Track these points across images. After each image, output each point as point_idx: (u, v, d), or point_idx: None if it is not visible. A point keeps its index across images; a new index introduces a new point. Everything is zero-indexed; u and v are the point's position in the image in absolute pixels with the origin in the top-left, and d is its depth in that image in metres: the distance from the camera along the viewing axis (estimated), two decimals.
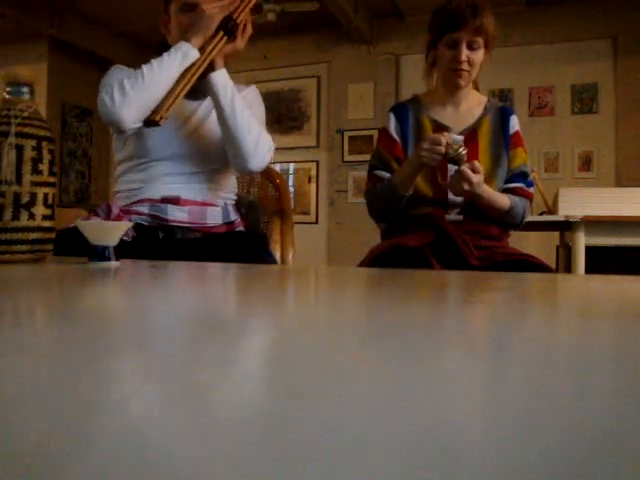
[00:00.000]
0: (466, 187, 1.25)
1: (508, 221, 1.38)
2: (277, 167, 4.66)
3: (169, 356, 0.28)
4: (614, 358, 0.29)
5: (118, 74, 1.23)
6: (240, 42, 1.30)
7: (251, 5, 1.29)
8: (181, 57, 1.20)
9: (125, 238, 1.03)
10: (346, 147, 5.11)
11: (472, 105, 1.45)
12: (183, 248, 1.23)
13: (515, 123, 1.43)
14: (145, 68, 1.19)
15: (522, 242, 3.11)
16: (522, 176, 1.41)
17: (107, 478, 0.13)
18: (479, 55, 1.36)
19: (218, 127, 1.28)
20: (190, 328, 0.37)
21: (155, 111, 1.19)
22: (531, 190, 1.43)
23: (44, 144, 0.85)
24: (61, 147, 5.12)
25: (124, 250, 0.92)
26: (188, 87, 1.22)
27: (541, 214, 2.96)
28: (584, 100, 4.54)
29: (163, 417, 0.18)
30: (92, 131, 5.49)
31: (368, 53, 5.06)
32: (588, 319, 0.44)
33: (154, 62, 1.20)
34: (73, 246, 0.94)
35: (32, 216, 0.84)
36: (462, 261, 1.29)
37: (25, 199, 0.83)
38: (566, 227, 2.67)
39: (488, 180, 1.34)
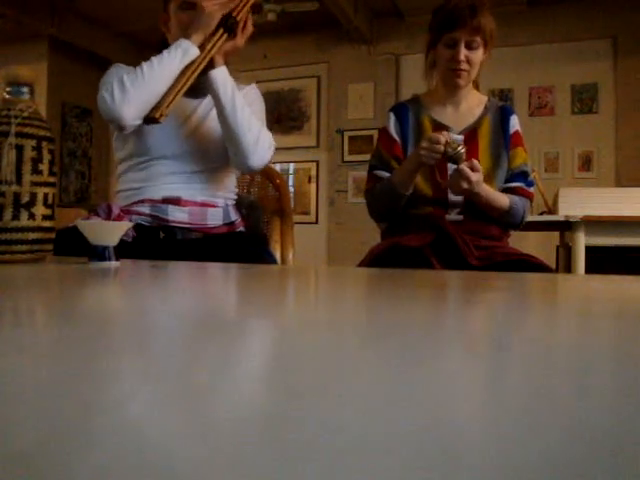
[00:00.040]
0: (465, 186, 1.25)
1: (508, 220, 1.38)
2: (277, 167, 4.66)
3: (169, 356, 0.28)
4: (614, 358, 0.29)
5: (118, 72, 1.23)
6: (240, 40, 1.29)
7: (251, 3, 1.29)
8: (181, 54, 1.20)
9: (125, 238, 1.03)
10: (346, 147, 5.11)
11: (472, 105, 1.45)
12: (183, 248, 1.23)
13: (515, 123, 1.43)
14: (145, 65, 1.19)
15: (522, 242, 3.11)
16: (522, 176, 1.41)
17: (107, 478, 0.13)
18: (478, 55, 1.36)
19: (218, 125, 1.28)
20: (190, 328, 0.37)
21: (155, 108, 1.19)
22: (531, 190, 1.43)
23: (44, 144, 0.85)
24: (61, 147, 5.12)
25: (124, 250, 0.92)
26: (188, 84, 1.22)
27: (541, 214, 2.96)
28: (584, 100, 4.54)
29: (163, 417, 0.18)
30: (92, 131, 5.49)
31: (368, 53, 5.06)
32: (588, 319, 0.44)
33: (154, 59, 1.20)
34: (73, 246, 0.94)
35: (32, 216, 0.84)
36: (462, 261, 1.29)
37: (25, 199, 0.83)
38: (566, 227, 2.67)
39: (488, 179, 1.34)
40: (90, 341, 0.30)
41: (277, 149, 1.36)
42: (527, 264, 1.28)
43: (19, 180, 0.82)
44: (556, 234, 3.51)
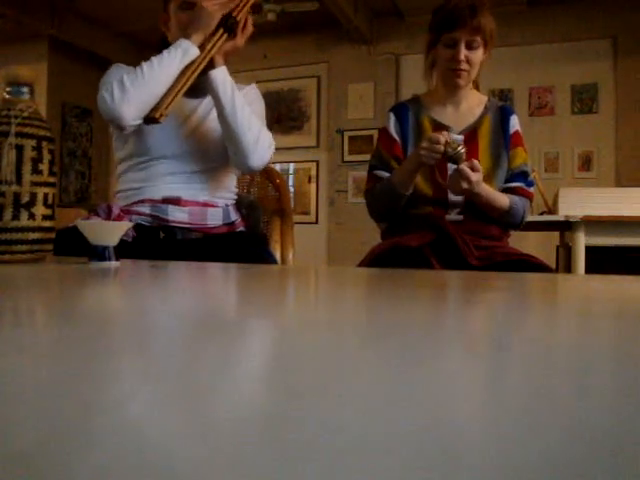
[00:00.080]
0: (465, 185, 1.25)
1: (508, 220, 1.38)
2: (277, 167, 4.66)
3: (169, 356, 0.28)
4: (614, 358, 0.29)
5: (118, 72, 1.23)
6: (240, 40, 1.29)
7: (251, 3, 1.29)
8: (181, 54, 1.20)
9: (125, 238, 1.03)
10: (346, 147, 5.11)
11: (472, 105, 1.45)
12: (183, 248, 1.23)
13: (515, 123, 1.43)
14: (145, 65, 1.19)
15: (522, 242, 3.11)
16: (522, 175, 1.41)
17: (107, 478, 0.13)
18: (478, 54, 1.36)
19: (218, 125, 1.28)
20: (190, 328, 0.37)
21: (155, 108, 1.19)
22: (531, 190, 1.43)
23: (44, 144, 0.85)
24: (61, 147, 5.12)
25: (125, 250, 0.92)
26: (188, 84, 1.22)
27: (541, 214, 2.96)
28: (584, 100, 4.54)
29: (163, 417, 0.18)
30: (92, 131, 5.49)
31: (368, 53, 5.06)
32: (588, 319, 0.44)
33: (154, 59, 1.20)
34: (73, 246, 0.94)
35: (32, 216, 0.84)
36: (462, 261, 1.29)
37: (25, 199, 0.83)
38: (566, 227, 2.67)
39: (488, 179, 1.34)
40: (90, 341, 0.30)
41: (277, 149, 1.36)
42: (527, 264, 1.28)
43: (19, 180, 0.82)
44: (556, 234, 3.51)
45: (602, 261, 2.68)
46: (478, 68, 1.40)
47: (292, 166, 5.34)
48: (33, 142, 0.84)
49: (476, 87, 1.49)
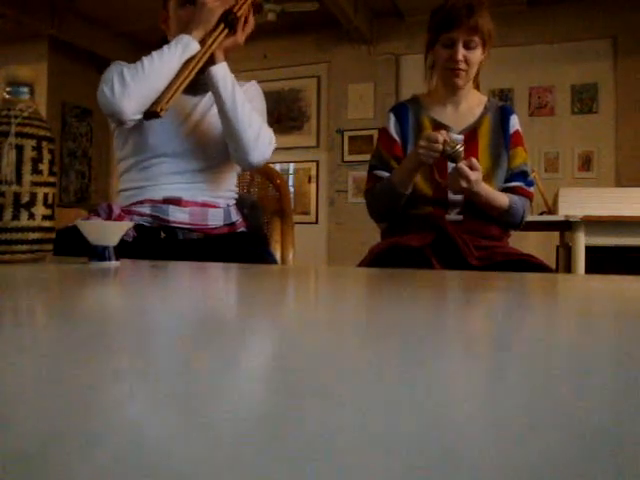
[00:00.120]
0: (464, 184, 1.25)
1: (508, 220, 1.38)
2: (277, 167, 4.66)
3: (169, 356, 0.28)
4: (614, 358, 0.29)
5: (118, 68, 1.23)
6: (241, 36, 1.29)
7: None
8: (182, 49, 1.20)
9: (126, 238, 1.03)
10: (346, 147, 5.11)
11: (472, 104, 1.45)
12: (184, 249, 1.23)
13: (515, 122, 1.44)
14: (145, 60, 1.19)
15: (522, 242, 3.11)
16: (522, 175, 1.41)
17: (107, 478, 0.13)
18: (476, 54, 1.36)
19: (219, 122, 1.28)
20: (190, 328, 0.37)
21: (156, 102, 1.18)
22: (531, 189, 1.43)
23: (44, 144, 0.85)
24: (61, 147, 5.12)
25: (125, 251, 0.92)
26: (189, 80, 1.21)
27: (541, 214, 2.96)
28: (584, 100, 4.54)
29: (163, 417, 0.18)
30: (92, 131, 5.49)
31: (368, 53, 5.06)
32: (588, 319, 0.44)
33: (154, 54, 1.20)
34: (73, 246, 0.94)
35: (32, 216, 0.84)
36: (462, 261, 1.29)
37: (25, 199, 0.83)
38: (566, 227, 2.67)
39: (488, 179, 1.34)
40: (90, 341, 0.30)
41: (277, 149, 1.36)
42: (527, 264, 1.28)
43: (19, 180, 0.82)
44: (556, 234, 3.51)
45: (602, 261, 2.68)
46: (477, 68, 1.40)
47: (292, 166, 5.34)
48: (33, 142, 0.84)
49: (476, 87, 1.49)
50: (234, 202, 1.40)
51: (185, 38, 1.21)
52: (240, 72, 1.31)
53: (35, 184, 0.84)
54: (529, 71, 4.63)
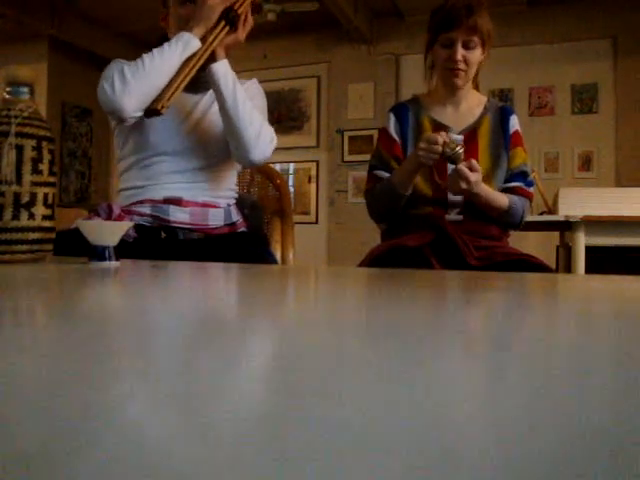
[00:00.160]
0: (464, 185, 1.25)
1: (507, 220, 1.38)
2: (277, 167, 4.66)
3: (169, 356, 0.28)
4: (614, 358, 0.29)
5: (118, 66, 1.22)
6: (241, 33, 1.29)
7: None
8: (182, 46, 1.20)
9: (126, 239, 1.03)
10: (346, 147, 5.11)
11: (472, 105, 1.45)
12: (184, 249, 1.23)
13: (515, 123, 1.44)
14: (146, 57, 1.19)
15: (522, 242, 3.11)
16: (522, 175, 1.41)
17: (107, 478, 0.13)
18: (475, 54, 1.36)
19: (220, 120, 1.28)
20: (190, 328, 0.37)
21: (156, 100, 1.18)
22: (531, 190, 1.43)
23: (44, 144, 0.85)
24: (61, 147, 5.12)
25: (126, 251, 0.92)
26: (190, 77, 1.21)
27: (541, 214, 2.96)
28: (584, 100, 4.54)
29: (163, 417, 0.18)
30: (92, 131, 5.49)
31: (368, 53, 5.06)
32: (588, 319, 0.44)
33: (155, 51, 1.19)
34: (73, 247, 0.94)
35: (32, 216, 0.84)
36: (462, 261, 1.29)
37: (25, 199, 0.83)
38: (566, 227, 2.68)
39: (488, 179, 1.34)
40: (90, 341, 0.30)
41: (277, 149, 1.36)
42: (527, 264, 1.28)
43: (19, 180, 0.82)
44: (556, 234, 3.51)
45: (602, 261, 2.68)
46: (476, 68, 1.40)
47: (292, 166, 5.34)
48: (33, 142, 0.84)
49: (476, 87, 1.49)
50: (234, 202, 1.40)
51: (186, 35, 1.21)
52: (240, 72, 1.30)
53: (35, 184, 0.84)
54: (529, 71, 4.63)
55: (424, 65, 1.48)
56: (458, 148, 1.25)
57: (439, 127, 1.40)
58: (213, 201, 1.31)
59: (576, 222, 2.40)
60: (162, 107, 1.17)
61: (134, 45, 5.16)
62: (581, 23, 4.45)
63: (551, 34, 4.53)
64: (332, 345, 0.31)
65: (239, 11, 1.26)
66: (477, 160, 1.29)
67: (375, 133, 4.46)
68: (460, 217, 1.37)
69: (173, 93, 1.19)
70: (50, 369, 0.24)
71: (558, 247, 3.61)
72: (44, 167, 0.85)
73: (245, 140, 1.25)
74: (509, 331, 0.38)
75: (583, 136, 4.51)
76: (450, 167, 1.31)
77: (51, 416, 0.18)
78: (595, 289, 0.72)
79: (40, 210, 0.85)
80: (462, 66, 1.35)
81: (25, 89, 0.86)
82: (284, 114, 5.33)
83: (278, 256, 1.50)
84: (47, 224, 0.86)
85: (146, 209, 1.26)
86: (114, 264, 0.82)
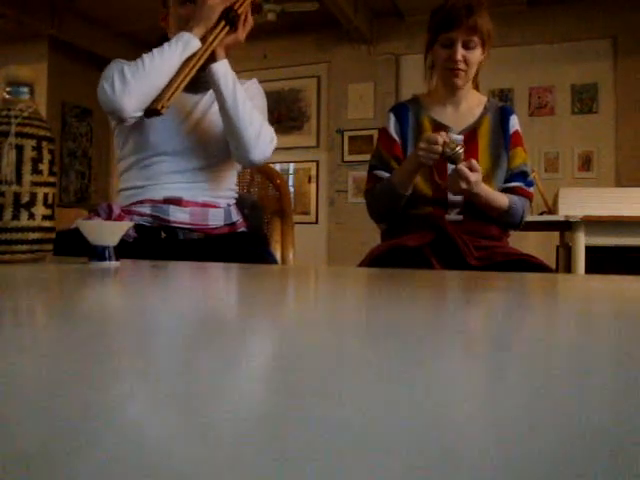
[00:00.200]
0: (464, 186, 1.25)
1: (507, 220, 1.38)
2: (277, 167, 4.66)
3: (169, 356, 0.28)
4: (614, 358, 0.29)
5: (118, 66, 1.22)
6: (241, 33, 1.29)
7: None
8: (182, 46, 1.20)
9: (126, 239, 1.03)
10: (346, 147, 5.11)
11: (472, 105, 1.45)
12: (184, 249, 1.23)
13: (515, 123, 1.44)
14: (146, 57, 1.18)
15: (522, 242, 3.11)
16: (522, 176, 1.41)
17: (107, 478, 0.13)
18: (475, 54, 1.36)
19: (219, 120, 1.28)
20: (190, 328, 0.37)
21: (157, 100, 1.18)
22: (531, 190, 1.43)
23: (44, 144, 0.85)
24: (61, 147, 5.12)
25: (126, 251, 0.92)
26: (190, 77, 1.21)
27: (541, 214, 2.96)
28: (584, 100, 4.54)
29: (163, 417, 0.18)
30: (92, 131, 5.49)
31: (368, 53, 5.06)
32: (588, 319, 0.44)
33: (155, 51, 1.19)
34: (73, 248, 0.94)
35: (32, 216, 0.84)
36: (462, 261, 1.29)
37: (25, 199, 0.83)
38: (566, 227, 2.68)
39: (488, 179, 1.34)
40: (90, 341, 0.30)
41: (277, 149, 1.36)
42: (527, 264, 1.28)
43: (19, 180, 0.82)
44: (556, 234, 3.51)
45: (602, 261, 2.68)
46: (476, 68, 1.40)
47: (292, 166, 5.34)
48: (33, 142, 0.84)
49: (476, 87, 1.49)
50: (234, 202, 1.40)
51: (186, 35, 1.21)
52: (240, 72, 1.30)
53: (35, 184, 0.84)
54: (529, 71, 4.63)
55: (424, 65, 1.48)
56: (458, 148, 1.25)
57: (439, 127, 1.40)
58: (213, 201, 1.31)
59: (576, 222, 2.40)
60: (162, 107, 1.17)
61: (134, 45, 5.16)
62: (581, 23, 4.45)
63: (551, 34, 4.53)
64: (332, 345, 0.31)
65: (239, 11, 1.26)
66: (477, 160, 1.29)
67: (375, 133, 4.46)
68: (460, 217, 1.37)
69: (173, 93, 1.18)
70: (50, 369, 0.24)
71: (558, 247, 3.61)
72: (44, 167, 0.85)
73: (245, 140, 1.25)
74: (509, 331, 0.38)
75: (583, 136, 4.51)
76: (450, 167, 1.31)
77: (51, 416, 0.18)
78: (595, 289, 0.72)
79: (40, 210, 0.85)
80: (462, 66, 1.35)
81: (25, 89, 0.86)
82: (284, 114, 5.33)
83: (278, 256, 1.50)
84: (47, 224, 0.86)
85: (146, 209, 1.26)
86: (114, 264, 0.82)
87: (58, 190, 4.77)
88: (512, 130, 1.43)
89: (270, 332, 0.37)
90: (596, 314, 0.47)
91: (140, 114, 1.19)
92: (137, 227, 1.20)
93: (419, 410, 0.19)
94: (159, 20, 1.36)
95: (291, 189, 5.23)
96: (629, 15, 4.30)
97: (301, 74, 5.30)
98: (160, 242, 1.24)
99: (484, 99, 1.47)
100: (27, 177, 0.83)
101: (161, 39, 1.30)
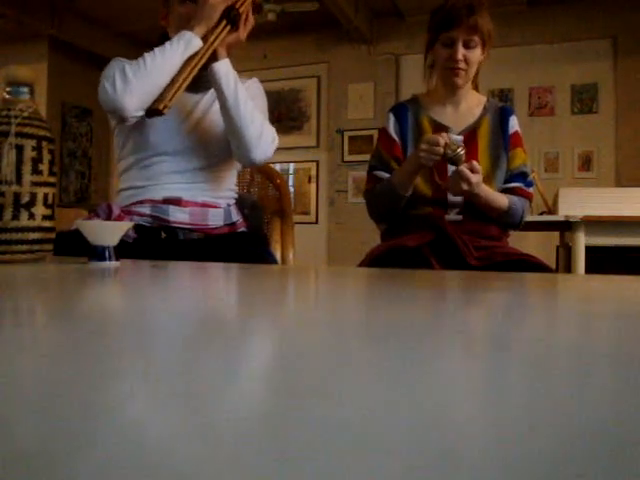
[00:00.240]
0: (465, 187, 1.25)
1: (507, 221, 1.38)
2: (277, 167, 4.66)
3: (169, 356, 0.28)
4: (614, 358, 0.29)
5: (119, 65, 1.22)
6: (243, 32, 1.29)
7: None
8: (184, 46, 1.20)
9: (126, 239, 1.03)
10: (346, 147, 5.11)
11: (472, 105, 1.45)
12: (184, 249, 1.23)
13: (514, 123, 1.44)
14: (148, 56, 1.18)
15: (522, 242, 3.11)
16: (521, 176, 1.41)
17: (107, 478, 0.13)
18: (476, 54, 1.36)
19: (220, 120, 1.28)
20: (190, 328, 0.37)
21: (158, 100, 1.17)
22: (530, 190, 1.43)
23: (44, 144, 0.85)
24: (61, 147, 5.12)
25: (126, 251, 0.92)
26: (192, 76, 1.20)
27: (541, 214, 2.96)
28: (584, 100, 4.54)
29: (163, 417, 0.18)
30: (92, 131, 5.49)
31: (368, 53, 5.06)
32: (588, 319, 0.44)
33: (156, 50, 1.19)
34: (73, 248, 0.94)
35: (32, 216, 0.84)
36: (461, 261, 1.29)
37: (25, 199, 0.83)
38: (566, 227, 2.68)
39: (487, 180, 1.34)
40: (90, 341, 0.30)
41: (277, 149, 1.35)
42: (527, 264, 1.28)
43: (19, 180, 0.82)
44: (556, 234, 3.51)
45: (602, 261, 2.68)
46: (476, 68, 1.40)
47: (292, 166, 5.34)
48: (33, 142, 0.84)
49: (475, 87, 1.49)
50: (234, 202, 1.40)
51: (187, 34, 1.20)
52: (240, 72, 1.30)
53: (35, 184, 0.84)
54: (529, 71, 4.63)
55: (424, 65, 1.48)
56: (459, 149, 1.25)
57: (438, 127, 1.40)
58: (213, 201, 1.31)
59: (576, 222, 2.40)
60: (164, 107, 1.16)
61: (134, 45, 5.16)
62: (581, 23, 4.45)
63: (551, 34, 4.53)
64: (332, 345, 0.31)
65: (240, 10, 1.26)
66: (477, 160, 1.29)
67: (375, 133, 4.46)
68: (460, 217, 1.37)
69: (175, 93, 1.18)
70: (50, 369, 0.24)
71: (558, 247, 3.61)
72: (44, 167, 0.85)
73: (247, 140, 1.24)
74: (509, 331, 0.38)
75: (583, 136, 4.51)
76: (450, 168, 1.31)
77: (51, 416, 0.18)
78: (595, 289, 0.72)
79: (40, 210, 0.85)
80: (463, 65, 1.35)
81: (25, 89, 0.86)
82: (284, 114, 5.33)
83: (278, 256, 1.50)
84: (47, 224, 0.86)
85: (146, 209, 1.25)
86: (114, 264, 0.82)
87: (58, 190, 4.77)
88: (512, 131, 1.43)
89: (270, 332, 0.37)
90: (596, 314, 0.47)
91: (141, 114, 1.18)
92: (137, 227, 1.20)
93: (419, 410, 0.19)
94: (159, 19, 1.35)
95: (291, 189, 5.23)
96: (629, 15, 4.30)
97: (301, 74, 5.30)
98: (160, 242, 1.24)
99: (483, 99, 1.47)
100: (27, 177, 0.83)
101: (162, 38, 1.29)
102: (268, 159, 1.31)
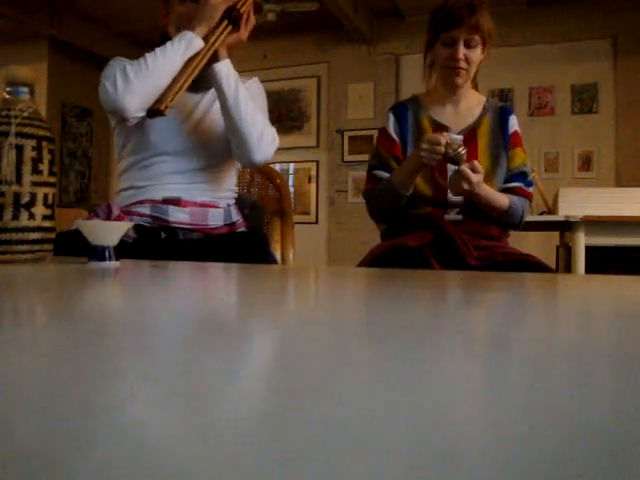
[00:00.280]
0: (466, 187, 1.25)
1: (507, 220, 1.38)
2: (277, 167, 4.66)
3: (169, 356, 0.28)
4: (614, 358, 0.29)
5: (120, 64, 1.21)
6: (244, 32, 1.29)
7: None
8: (185, 46, 1.19)
9: (125, 239, 1.03)
10: (346, 147, 5.11)
11: (471, 105, 1.45)
12: (184, 249, 1.23)
13: (514, 123, 1.44)
14: (149, 56, 1.18)
15: (522, 242, 3.11)
16: (521, 176, 1.41)
17: (107, 478, 0.13)
18: (476, 53, 1.36)
19: (220, 120, 1.27)
20: (190, 328, 0.37)
21: (159, 100, 1.17)
22: (530, 190, 1.43)
23: (44, 144, 0.85)
24: (61, 147, 5.12)
25: (126, 251, 0.92)
26: (193, 76, 1.20)
27: (541, 214, 2.96)
28: (584, 100, 4.54)
29: (163, 417, 0.18)
30: (92, 131, 5.49)
31: (368, 53, 5.06)
32: (588, 319, 0.44)
33: (157, 50, 1.19)
34: (73, 248, 0.94)
35: (32, 216, 0.84)
36: (461, 261, 1.29)
37: (25, 199, 0.83)
38: (566, 227, 2.68)
39: (487, 180, 1.34)
40: (90, 341, 0.30)
41: (277, 149, 1.35)
42: (527, 264, 1.28)
43: (19, 180, 0.82)
44: (556, 234, 3.51)
45: (602, 261, 2.68)
46: (476, 67, 1.40)
47: (292, 166, 5.34)
48: (33, 142, 0.84)
49: (475, 87, 1.49)
50: (234, 202, 1.40)
51: (188, 35, 1.20)
52: (240, 72, 1.30)
53: (35, 184, 0.84)
54: (529, 71, 4.63)
55: (423, 64, 1.48)
56: (461, 149, 1.25)
57: (438, 127, 1.40)
58: (213, 201, 1.31)
59: (576, 222, 2.40)
60: (165, 107, 1.16)
61: (134, 45, 5.16)
62: (581, 23, 4.45)
63: (551, 34, 4.53)
64: (332, 345, 0.31)
65: (241, 10, 1.26)
66: (477, 160, 1.29)
67: (375, 133, 4.45)
68: (460, 217, 1.37)
69: (176, 93, 1.18)
70: (50, 369, 0.24)
71: (558, 247, 3.61)
72: (44, 167, 0.85)
73: (247, 140, 1.24)
74: (509, 331, 0.38)
75: (583, 136, 4.51)
76: (450, 167, 1.31)
77: (51, 416, 0.18)
78: (595, 289, 0.72)
79: (40, 210, 0.85)
80: (463, 65, 1.35)
81: (25, 89, 0.86)
82: (284, 114, 5.33)
83: (278, 256, 1.50)
84: (47, 224, 0.86)
85: (145, 209, 1.25)
86: (114, 264, 0.82)
87: (58, 190, 4.77)
88: (511, 130, 1.43)
89: (270, 332, 0.37)
90: (596, 314, 0.47)
91: (142, 114, 1.18)
92: (137, 227, 1.20)
93: (419, 410, 0.19)
94: (159, 19, 1.35)
95: (291, 189, 5.23)
96: (629, 15, 4.30)
97: (301, 74, 5.30)
98: (160, 242, 1.24)
99: (483, 99, 1.47)
100: (27, 177, 0.83)
101: (162, 38, 1.29)
102: (268, 160, 1.31)
